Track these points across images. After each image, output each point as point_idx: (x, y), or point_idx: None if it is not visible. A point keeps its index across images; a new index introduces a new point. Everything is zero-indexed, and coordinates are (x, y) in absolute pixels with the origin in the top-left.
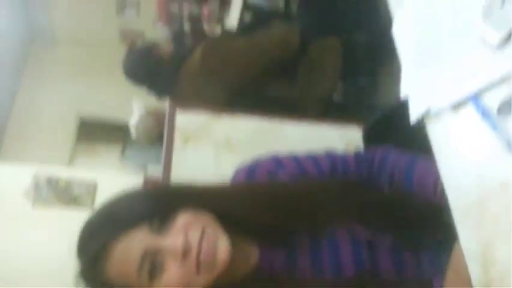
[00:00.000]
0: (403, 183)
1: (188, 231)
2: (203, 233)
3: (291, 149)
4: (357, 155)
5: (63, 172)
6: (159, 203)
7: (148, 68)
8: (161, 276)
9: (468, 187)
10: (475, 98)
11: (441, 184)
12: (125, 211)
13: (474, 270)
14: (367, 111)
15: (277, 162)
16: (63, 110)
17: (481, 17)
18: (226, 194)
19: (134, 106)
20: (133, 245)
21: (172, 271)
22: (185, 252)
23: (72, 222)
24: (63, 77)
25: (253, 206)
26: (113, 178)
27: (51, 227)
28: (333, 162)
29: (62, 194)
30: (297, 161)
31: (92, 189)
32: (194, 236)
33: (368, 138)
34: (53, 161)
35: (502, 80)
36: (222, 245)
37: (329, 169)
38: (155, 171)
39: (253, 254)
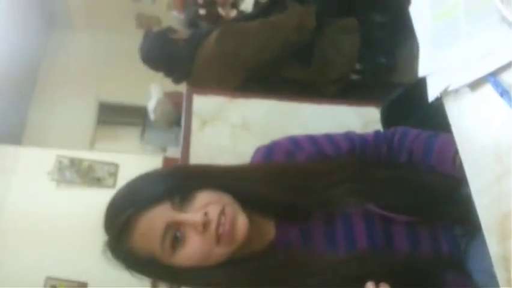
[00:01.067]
0: (422, 158)
1: (208, 207)
2: (222, 209)
3: (308, 130)
4: (376, 133)
5: (85, 154)
6: (179, 182)
7: (165, 53)
8: (183, 247)
9: (486, 164)
10: (493, 77)
11: (460, 158)
12: (147, 189)
13: (492, 244)
14: (385, 89)
15: (295, 142)
16: (82, 94)
17: None
18: (244, 174)
19: (152, 90)
20: (156, 219)
21: (193, 242)
22: (205, 225)
23: (95, 201)
24: (81, 61)
25: (271, 184)
26: (134, 159)
27: (75, 206)
28: (351, 142)
29: (85, 175)
30: (314, 141)
31: (114, 170)
32: (214, 211)
33: (386, 118)
34: (74, 145)
35: None
36: (240, 222)
37: (347, 149)
38: (175, 152)
39: (270, 230)
